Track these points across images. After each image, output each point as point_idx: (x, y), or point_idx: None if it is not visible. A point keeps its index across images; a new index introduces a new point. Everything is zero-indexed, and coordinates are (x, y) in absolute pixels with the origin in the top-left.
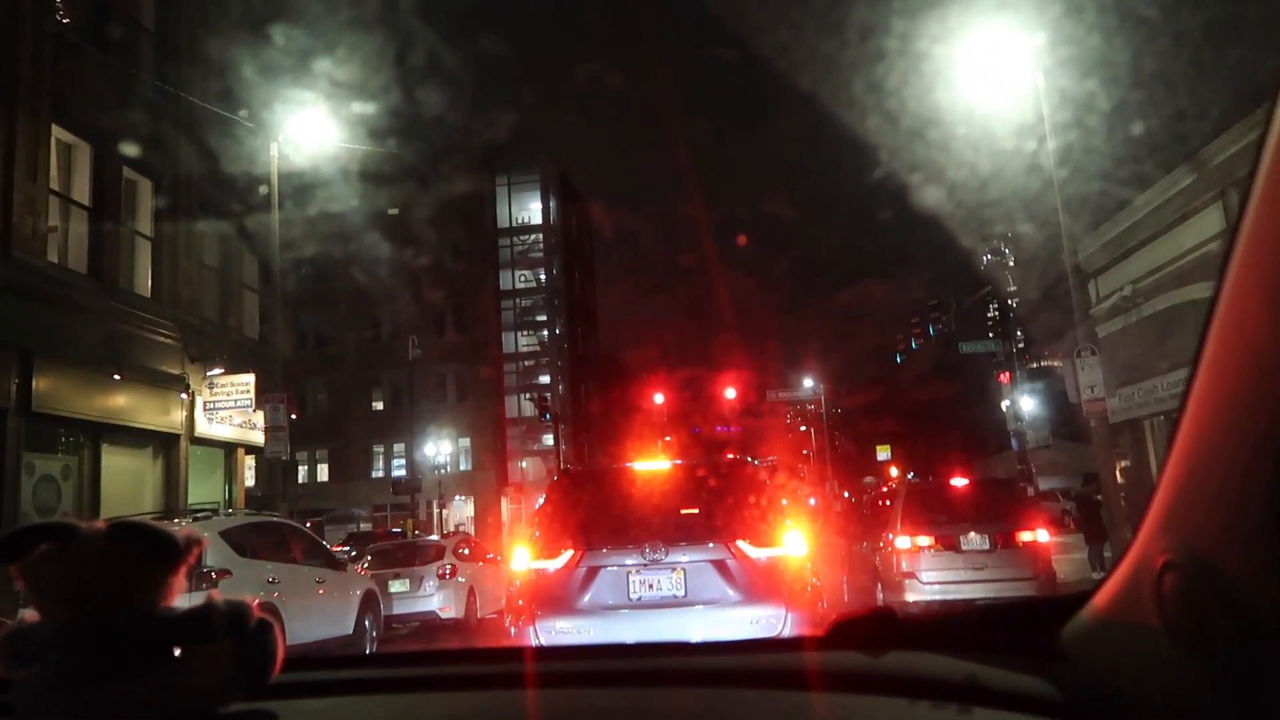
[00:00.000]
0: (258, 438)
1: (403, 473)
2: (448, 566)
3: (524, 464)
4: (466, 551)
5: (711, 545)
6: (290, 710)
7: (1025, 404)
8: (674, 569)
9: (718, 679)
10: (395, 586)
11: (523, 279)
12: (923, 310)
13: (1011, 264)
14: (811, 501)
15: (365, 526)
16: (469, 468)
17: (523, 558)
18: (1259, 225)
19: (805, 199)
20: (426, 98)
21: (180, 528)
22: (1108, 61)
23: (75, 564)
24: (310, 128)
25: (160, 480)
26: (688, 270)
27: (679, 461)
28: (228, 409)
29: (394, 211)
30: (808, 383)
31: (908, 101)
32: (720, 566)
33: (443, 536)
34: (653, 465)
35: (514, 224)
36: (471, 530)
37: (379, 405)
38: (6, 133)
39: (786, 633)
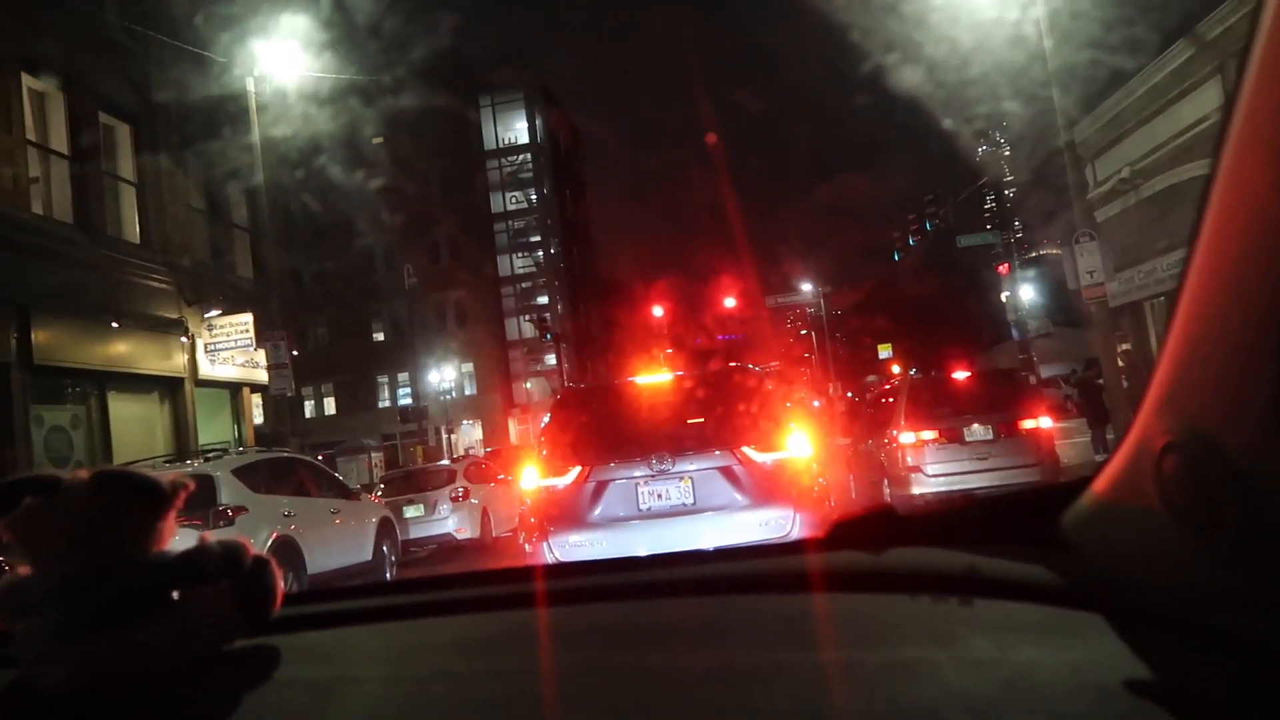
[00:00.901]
0: (262, 376)
1: (409, 401)
2: (460, 489)
3: (528, 384)
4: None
5: (717, 453)
6: (295, 644)
7: (1024, 293)
8: (682, 478)
9: (721, 586)
10: (410, 512)
11: (514, 200)
12: (918, 205)
13: (1006, 152)
14: (815, 404)
15: (376, 457)
16: (474, 392)
17: (532, 476)
18: (1260, 87)
19: (783, 89)
20: (403, 20)
21: (182, 471)
22: None
23: (63, 516)
24: (287, 59)
25: (169, 424)
26: (675, 176)
27: (681, 373)
28: (229, 349)
29: (378, 140)
30: (806, 287)
31: None
32: (727, 473)
33: (453, 460)
34: (655, 378)
35: (501, 145)
36: (481, 453)
37: (380, 336)
38: None
39: (796, 533)
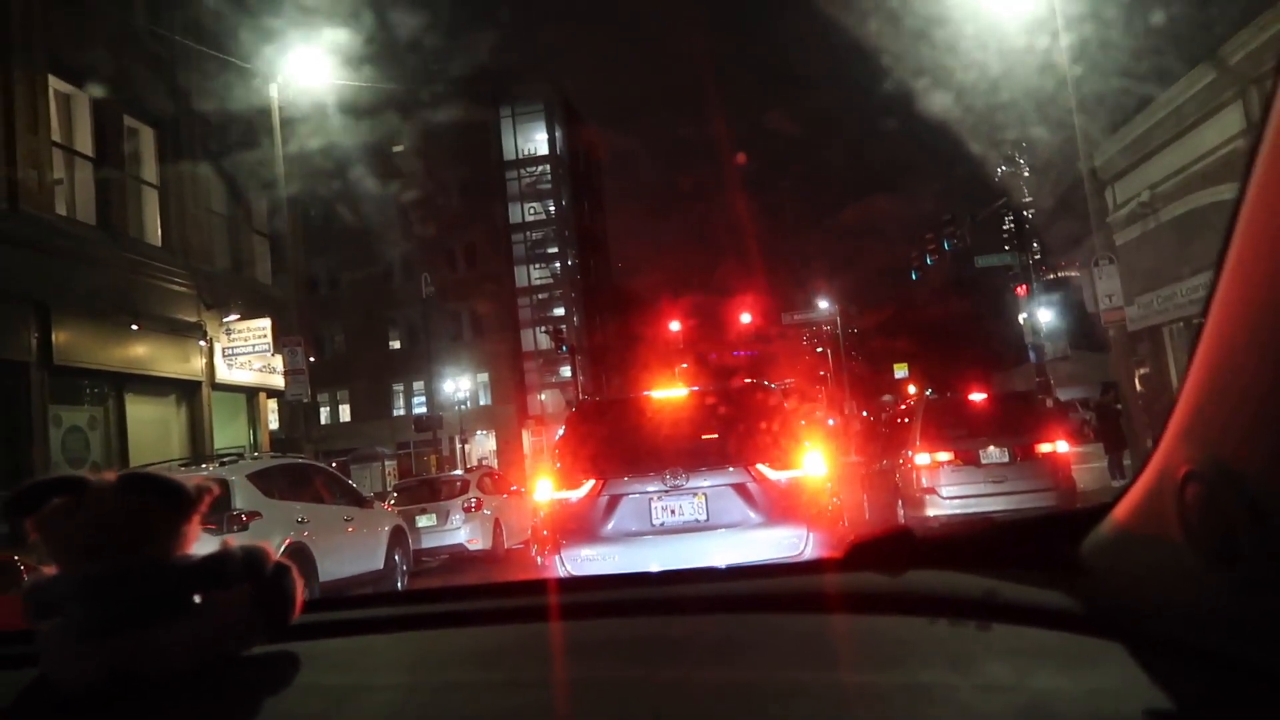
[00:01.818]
0: (278, 381)
1: (423, 410)
2: (473, 500)
3: (543, 396)
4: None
5: (731, 469)
6: (313, 651)
7: (1042, 315)
8: (695, 494)
9: (737, 604)
10: (423, 521)
11: (532, 211)
12: (936, 225)
13: (1026, 173)
14: (830, 422)
15: (390, 465)
16: (489, 402)
17: (545, 489)
18: None
19: (809, 112)
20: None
21: (199, 474)
22: None
23: (89, 516)
24: (310, 66)
25: (185, 427)
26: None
27: (696, 388)
28: (246, 354)
29: (399, 149)
30: (823, 304)
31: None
32: (741, 490)
33: (466, 471)
34: (670, 393)
35: (520, 155)
36: (495, 464)
37: (396, 344)
38: (3, 86)
39: (809, 552)
